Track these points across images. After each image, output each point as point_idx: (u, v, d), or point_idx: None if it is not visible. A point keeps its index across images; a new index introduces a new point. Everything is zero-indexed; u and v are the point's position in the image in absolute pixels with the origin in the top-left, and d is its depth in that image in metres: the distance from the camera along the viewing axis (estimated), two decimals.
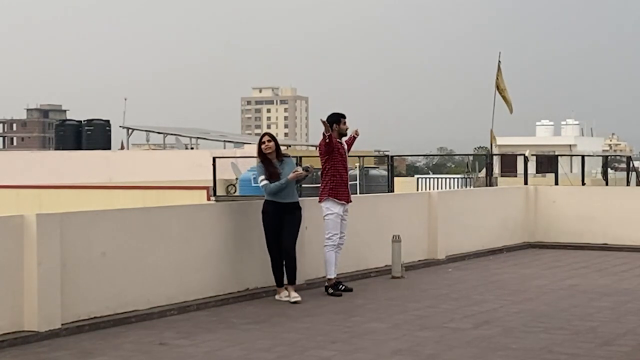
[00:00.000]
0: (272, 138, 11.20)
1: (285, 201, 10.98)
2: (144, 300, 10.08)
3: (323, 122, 11.39)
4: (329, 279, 11.62)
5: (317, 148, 11.98)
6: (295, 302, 10.85)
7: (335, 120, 11.64)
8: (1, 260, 8.77)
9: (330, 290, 11.55)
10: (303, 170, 11.05)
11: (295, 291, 11.05)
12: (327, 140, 11.42)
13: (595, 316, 10.12)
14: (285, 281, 11.08)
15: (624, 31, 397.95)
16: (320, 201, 11.64)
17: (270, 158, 11.01)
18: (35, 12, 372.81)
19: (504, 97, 25.43)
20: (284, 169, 10.98)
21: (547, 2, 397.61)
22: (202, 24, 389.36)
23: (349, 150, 11.98)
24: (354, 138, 12.29)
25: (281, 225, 10.97)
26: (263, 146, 11.01)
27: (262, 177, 10.95)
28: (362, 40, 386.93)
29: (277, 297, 11.11)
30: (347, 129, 11.74)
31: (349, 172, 12.19)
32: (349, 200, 11.72)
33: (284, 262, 11.04)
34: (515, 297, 11.47)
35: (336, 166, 11.57)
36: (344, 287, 11.70)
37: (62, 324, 9.09)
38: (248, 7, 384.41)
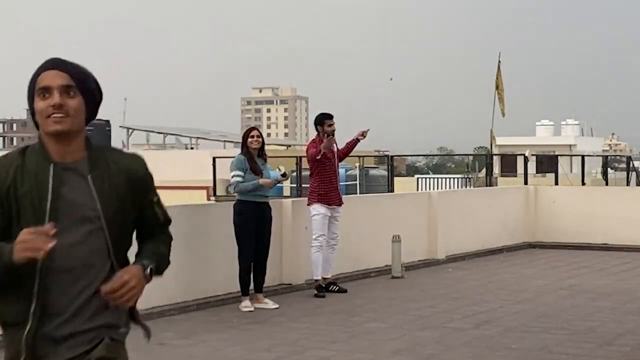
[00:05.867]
0: (261, 135, 10.69)
1: (262, 200, 10.48)
2: (144, 300, 10.04)
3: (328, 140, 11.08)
4: (315, 280, 11.48)
5: (306, 150, 11.58)
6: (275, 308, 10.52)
7: (319, 122, 11.34)
8: None
9: (315, 292, 11.38)
10: (280, 176, 10.81)
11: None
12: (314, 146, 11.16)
13: (595, 316, 10.11)
14: (252, 289, 10.62)
15: (624, 31, 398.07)
16: (308, 204, 11.38)
17: (253, 154, 10.50)
18: (35, 12, 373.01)
19: (499, 99, 25.47)
20: (264, 170, 10.49)
21: (548, 2, 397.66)
22: (202, 24, 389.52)
23: (347, 153, 11.62)
24: (356, 141, 11.69)
25: (257, 227, 10.47)
26: (251, 139, 10.47)
27: (238, 172, 10.31)
28: (362, 40, 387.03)
29: (243, 307, 10.43)
30: (333, 131, 11.24)
31: (349, 172, 12.11)
32: (340, 203, 11.43)
33: (256, 268, 10.59)
34: (515, 297, 11.46)
35: (324, 169, 11.24)
36: (337, 287, 11.61)
37: None
38: (248, 7, 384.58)
